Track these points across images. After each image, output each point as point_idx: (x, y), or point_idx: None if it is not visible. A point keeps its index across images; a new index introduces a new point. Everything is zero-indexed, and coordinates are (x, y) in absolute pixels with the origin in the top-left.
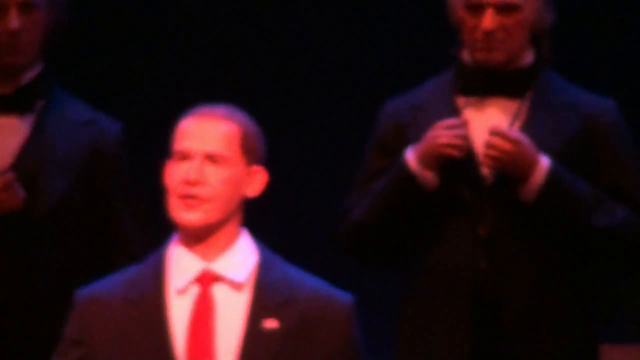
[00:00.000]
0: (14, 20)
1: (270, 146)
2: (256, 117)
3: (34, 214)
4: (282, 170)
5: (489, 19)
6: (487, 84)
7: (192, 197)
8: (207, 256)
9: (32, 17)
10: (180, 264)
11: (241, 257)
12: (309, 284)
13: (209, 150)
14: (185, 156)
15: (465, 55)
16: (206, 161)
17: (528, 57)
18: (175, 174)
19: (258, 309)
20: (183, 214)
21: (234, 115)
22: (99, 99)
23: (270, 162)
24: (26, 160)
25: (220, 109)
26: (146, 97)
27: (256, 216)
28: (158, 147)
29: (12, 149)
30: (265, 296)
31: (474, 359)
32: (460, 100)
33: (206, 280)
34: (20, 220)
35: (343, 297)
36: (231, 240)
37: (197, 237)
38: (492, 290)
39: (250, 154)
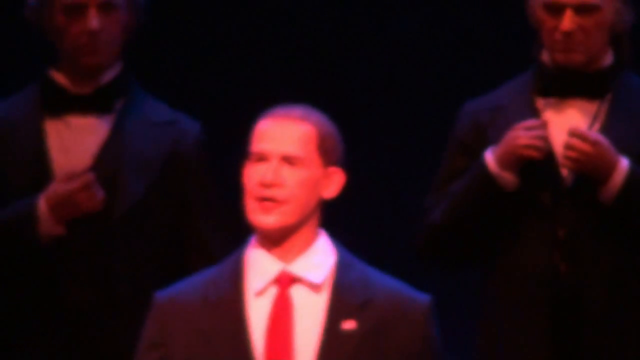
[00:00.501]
0: (94, 20)
1: (349, 147)
2: (334, 118)
3: (113, 214)
4: (360, 172)
5: (568, 20)
6: (566, 85)
7: (268, 199)
8: (285, 258)
9: (112, 17)
10: (259, 266)
11: (319, 259)
12: (387, 285)
13: (285, 151)
14: (261, 158)
15: (545, 57)
16: (283, 163)
17: (608, 59)
18: (252, 176)
19: (336, 311)
20: (260, 216)
21: (311, 116)
22: (177, 99)
23: (349, 163)
24: (105, 161)
25: (297, 110)
26: (225, 97)
27: (336, 217)
28: (237, 147)
29: (92, 150)
30: (344, 297)
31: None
32: (540, 102)
33: (284, 281)
34: (100, 221)
35: (421, 298)
36: (309, 241)
37: (274, 239)
38: (571, 292)
39: (327, 155)
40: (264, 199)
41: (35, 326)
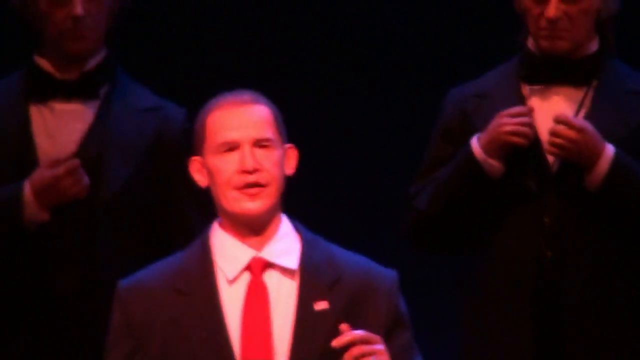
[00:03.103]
0: (79, 6)
1: (337, 133)
2: (320, 103)
3: (98, 200)
4: (345, 159)
5: (553, 7)
6: (552, 72)
7: (253, 185)
8: (254, 243)
9: (96, 2)
10: (228, 253)
11: (288, 242)
12: (353, 261)
13: (256, 136)
14: (231, 147)
15: (531, 44)
16: (254, 148)
17: (593, 46)
18: (225, 167)
19: (308, 292)
20: (246, 204)
21: (260, 98)
22: (161, 85)
23: (338, 148)
24: (90, 147)
25: (246, 95)
26: (209, 84)
27: (323, 206)
28: None
29: (77, 136)
30: (313, 279)
31: (537, 346)
32: (525, 89)
33: (257, 267)
34: (84, 207)
35: (387, 272)
36: (276, 225)
37: (249, 225)
38: (555, 278)
39: (282, 133)
40: (248, 186)
41: (19, 312)
